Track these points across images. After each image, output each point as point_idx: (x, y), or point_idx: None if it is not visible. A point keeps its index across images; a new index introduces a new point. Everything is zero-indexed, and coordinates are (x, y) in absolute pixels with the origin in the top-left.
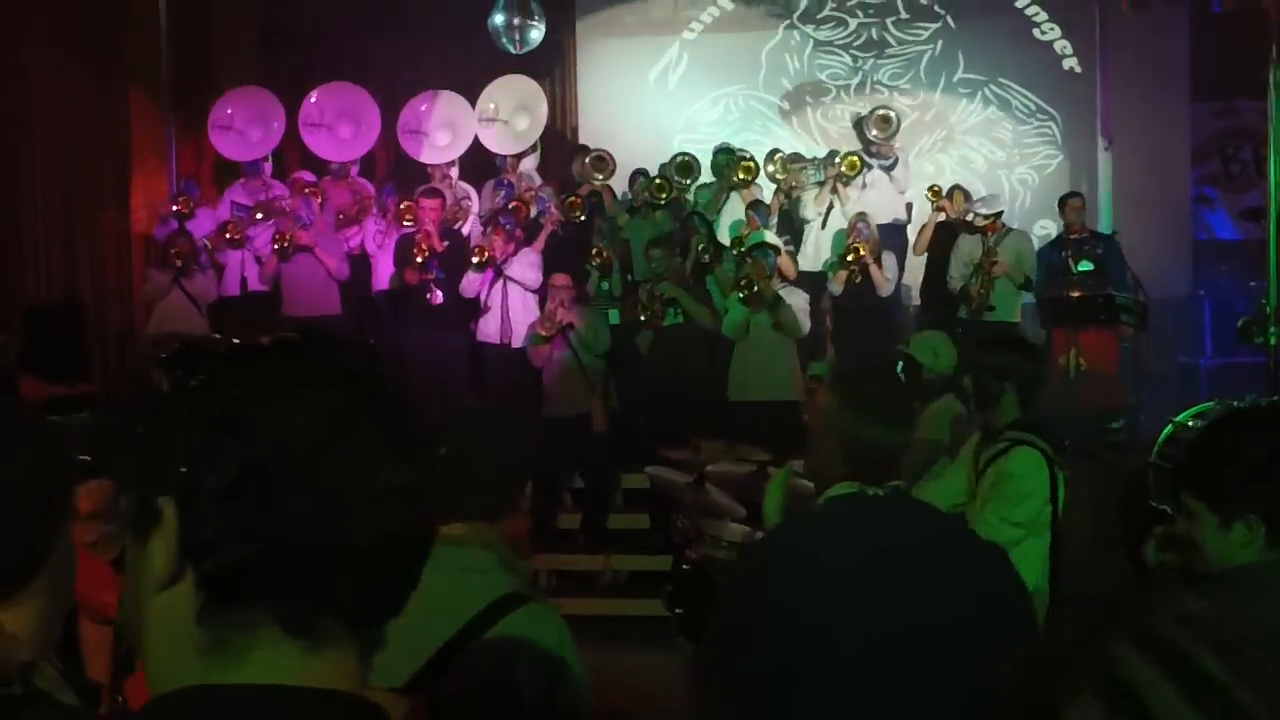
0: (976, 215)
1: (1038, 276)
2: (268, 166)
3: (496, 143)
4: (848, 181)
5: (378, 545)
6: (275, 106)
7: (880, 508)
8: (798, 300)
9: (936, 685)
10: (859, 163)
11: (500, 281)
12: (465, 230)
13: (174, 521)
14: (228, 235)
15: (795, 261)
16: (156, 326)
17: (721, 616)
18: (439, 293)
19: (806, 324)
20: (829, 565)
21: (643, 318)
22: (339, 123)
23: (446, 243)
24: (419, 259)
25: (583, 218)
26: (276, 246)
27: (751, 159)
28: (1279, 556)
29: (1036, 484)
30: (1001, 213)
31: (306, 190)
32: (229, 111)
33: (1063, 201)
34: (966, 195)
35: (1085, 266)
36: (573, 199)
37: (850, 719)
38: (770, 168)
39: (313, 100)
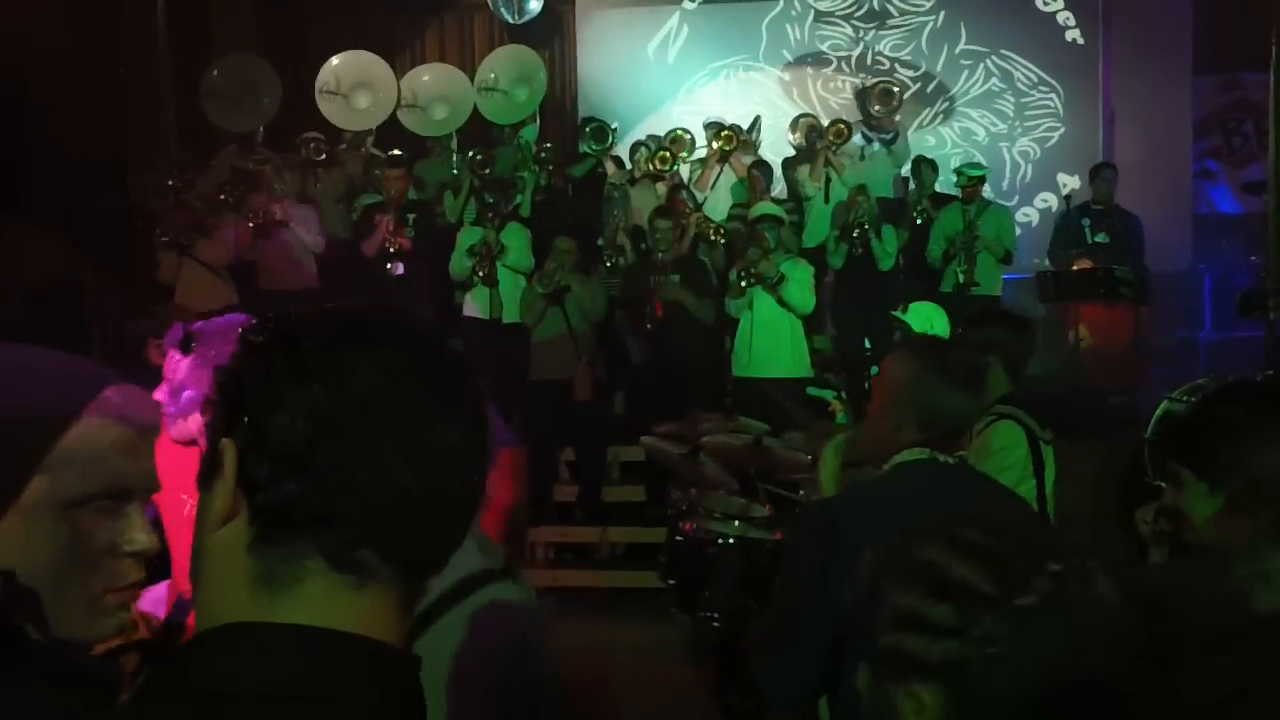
0: (961, 176)
1: (1053, 240)
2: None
3: (496, 113)
4: (837, 150)
5: (423, 494)
6: (270, 76)
7: (950, 475)
8: (804, 273)
9: None
10: (845, 130)
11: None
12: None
13: (233, 460)
14: (222, 197)
15: (799, 235)
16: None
17: (784, 577)
18: (400, 264)
19: (813, 298)
20: (898, 527)
21: (648, 325)
22: (355, 91)
23: (414, 215)
24: (386, 231)
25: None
26: (251, 223)
27: (733, 130)
28: None
29: (1015, 459)
30: (983, 178)
31: (303, 152)
32: (215, 74)
33: (1094, 172)
34: (934, 166)
35: (1101, 239)
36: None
37: None
38: (794, 136)
39: (331, 66)
